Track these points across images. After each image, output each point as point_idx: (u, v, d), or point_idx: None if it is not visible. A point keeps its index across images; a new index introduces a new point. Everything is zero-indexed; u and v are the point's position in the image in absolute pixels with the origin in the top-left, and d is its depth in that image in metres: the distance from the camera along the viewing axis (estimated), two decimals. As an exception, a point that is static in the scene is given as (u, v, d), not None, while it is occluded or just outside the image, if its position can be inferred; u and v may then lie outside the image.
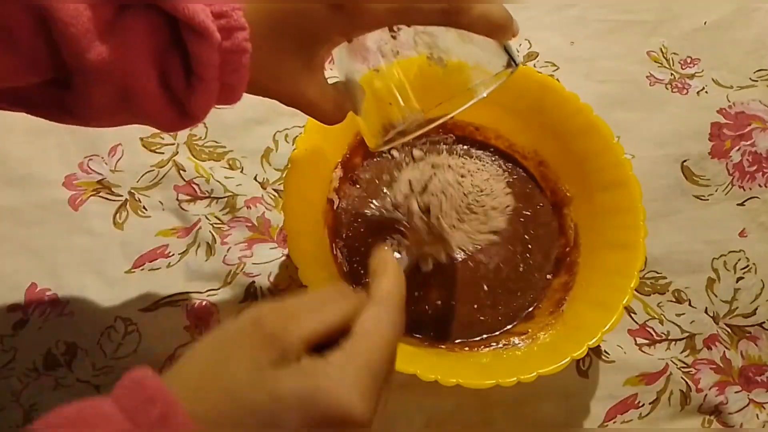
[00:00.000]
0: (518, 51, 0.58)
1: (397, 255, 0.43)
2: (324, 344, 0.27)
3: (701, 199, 0.53)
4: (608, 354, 0.47)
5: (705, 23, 0.60)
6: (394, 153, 0.50)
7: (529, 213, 0.49)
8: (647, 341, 0.48)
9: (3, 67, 0.27)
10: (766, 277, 0.50)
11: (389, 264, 0.31)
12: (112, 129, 0.51)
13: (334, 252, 0.46)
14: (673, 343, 0.48)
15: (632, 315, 0.49)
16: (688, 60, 0.59)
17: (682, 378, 0.47)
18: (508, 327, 0.45)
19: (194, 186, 0.50)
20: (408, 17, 0.31)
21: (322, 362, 0.26)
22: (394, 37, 0.35)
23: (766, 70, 0.58)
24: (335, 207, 0.48)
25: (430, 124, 0.39)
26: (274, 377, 0.25)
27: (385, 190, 0.49)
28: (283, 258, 0.48)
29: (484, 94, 0.36)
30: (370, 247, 0.47)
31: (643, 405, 0.46)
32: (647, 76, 0.58)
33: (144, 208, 0.49)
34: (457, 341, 0.44)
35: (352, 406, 0.25)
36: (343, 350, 0.26)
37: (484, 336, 0.45)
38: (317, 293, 0.29)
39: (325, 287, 0.31)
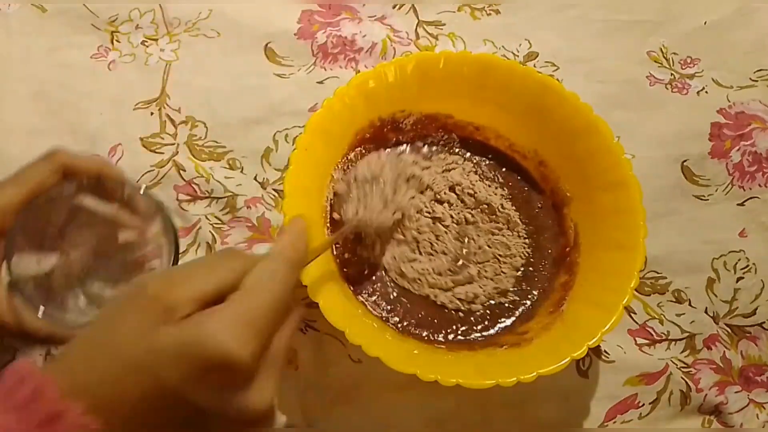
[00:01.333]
0: (518, 50, 0.58)
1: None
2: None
3: (701, 199, 0.53)
4: (608, 354, 0.47)
5: (705, 23, 0.60)
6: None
7: (529, 213, 0.49)
8: (647, 341, 0.48)
9: None
10: (766, 277, 0.50)
11: (294, 226, 0.32)
12: (112, 128, 0.51)
13: (334, 252, 0.46)
14: (673, 343, 0.48)
15: (632, 315, 0.49)
16: (688, 60, 0.59)
17: (682, 378, 0.47)
18: (508, 327, 0.45)
19: (194, 186, 0.50)
20: None
21: (200, 314, 0.26)
22: None
23: (766, 70, 0.58)
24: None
25: None
26: (154, 333, 0.25)
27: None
28: (283, 258, 0.48)
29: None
30: (369, 247, 0.47)
31: (643, 405, 0.46)
32: (647, 76, 0.58)
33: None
34: (457, 341, 0.44)
35: (230, 350, 0.25)
36: (225, 302, 0.27)
37: (484, 336, 0.45)
38: (207, 257, 0.29)
39: (218, 251, 0.31)
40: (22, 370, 0.25)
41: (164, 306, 0.26)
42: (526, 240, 0.48)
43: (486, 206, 0.48)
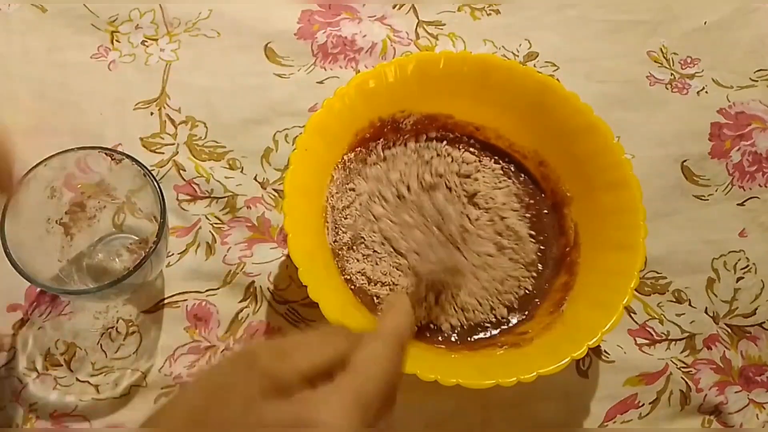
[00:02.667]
0: (518, 50, 0.58)
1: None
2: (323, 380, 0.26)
3: (701, 199, 0.53)
4: (608, 354, 0.47)
5: (705, 23, 0.60)
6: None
7: (529, 213, 0.49)
8: (647, 341, 0.48)
9: None
10: (766, 277, 0.51)
11: (399, 303, 0.31)
12: (112, 128, 0.51)
13: (334, 252, 0.46)
14: (673, 343, 0.48)
15: (632, 315, 0.49)
16: (688, 60, 0.59)
17: (682, 378, 0.47)
18: (508, 327, 0.45)
19: (194, 186, 0.50)
20: None
21: (310, 393, 0.26)
22: None
23: (766, 70, 0.58)
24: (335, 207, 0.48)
25: None
26: (262, 407, 0.25)
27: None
28: (283, 258, 0.48)
29: None
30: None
31: (643, 405, 0.46)
32: (647, 76, 0.58)
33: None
34: (457, 341, 0.44)
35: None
36: (334, 382, 0.26)
37: (484, 336, 0.45)
38: (316, 331, 0.29)
39: (325, 326, 0.31)
40: None
41: (273, 379, 0.25)
42: (537, 272, 0.47)
43: (511, 234, 0.47)
